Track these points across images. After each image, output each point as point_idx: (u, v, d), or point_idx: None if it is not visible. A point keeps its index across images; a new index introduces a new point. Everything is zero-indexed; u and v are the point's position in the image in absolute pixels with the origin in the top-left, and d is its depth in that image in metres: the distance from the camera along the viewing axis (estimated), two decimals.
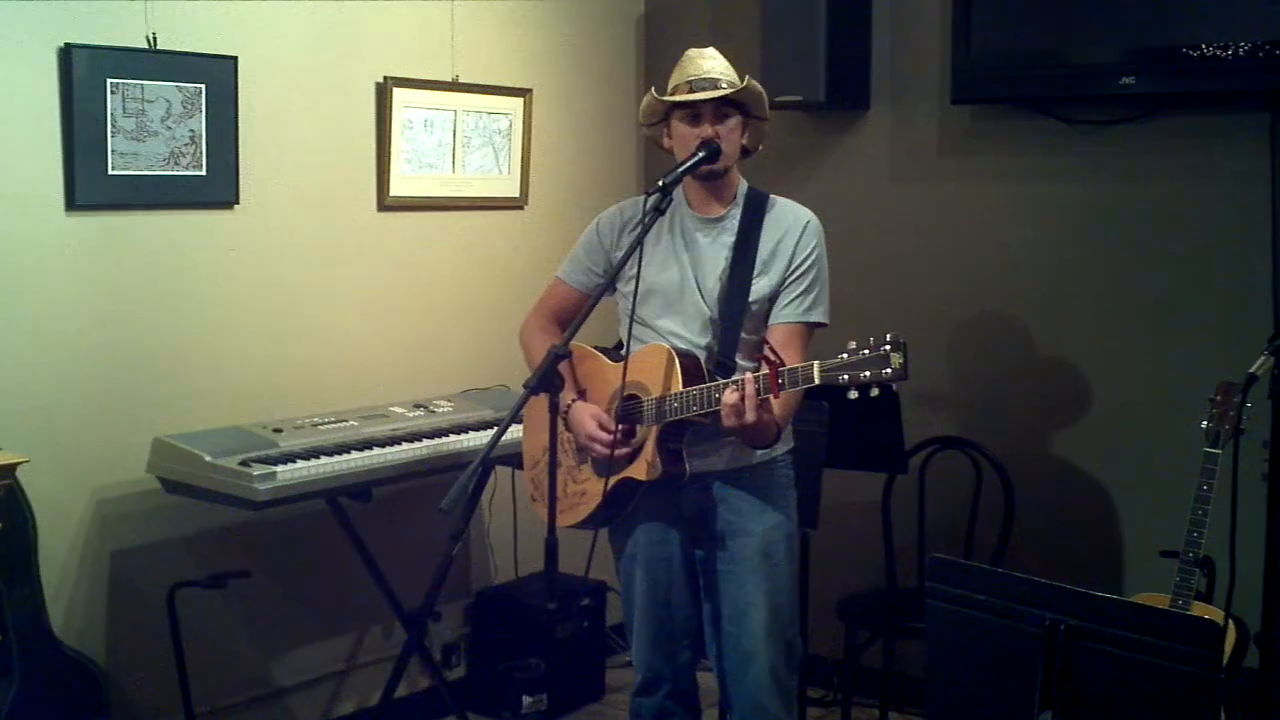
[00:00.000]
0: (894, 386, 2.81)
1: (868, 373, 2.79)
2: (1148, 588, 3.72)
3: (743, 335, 3.23)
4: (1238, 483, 3.07)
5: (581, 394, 3.37)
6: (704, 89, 3.18)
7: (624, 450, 3.21)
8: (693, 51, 3.28)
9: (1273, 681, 3.35)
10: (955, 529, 4.38)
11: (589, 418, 3.26)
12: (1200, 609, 3.41)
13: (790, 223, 3.27)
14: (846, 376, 2.81)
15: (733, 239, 3.26)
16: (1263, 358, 2.90)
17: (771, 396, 2.94)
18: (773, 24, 4.61)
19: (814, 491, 3.92)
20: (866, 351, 2.80)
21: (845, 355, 2.82)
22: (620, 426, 3.21)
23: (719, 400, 3.01)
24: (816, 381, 2.87)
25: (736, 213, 3.29)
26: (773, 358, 2.91)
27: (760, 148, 3.37)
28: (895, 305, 4.67)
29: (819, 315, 3.26)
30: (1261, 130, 3.97)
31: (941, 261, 4.63)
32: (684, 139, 3.23)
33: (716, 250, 3.27)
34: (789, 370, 2.91)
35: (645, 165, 5.27)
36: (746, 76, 3.21)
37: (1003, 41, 4.30)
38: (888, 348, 2.77)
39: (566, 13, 4.97)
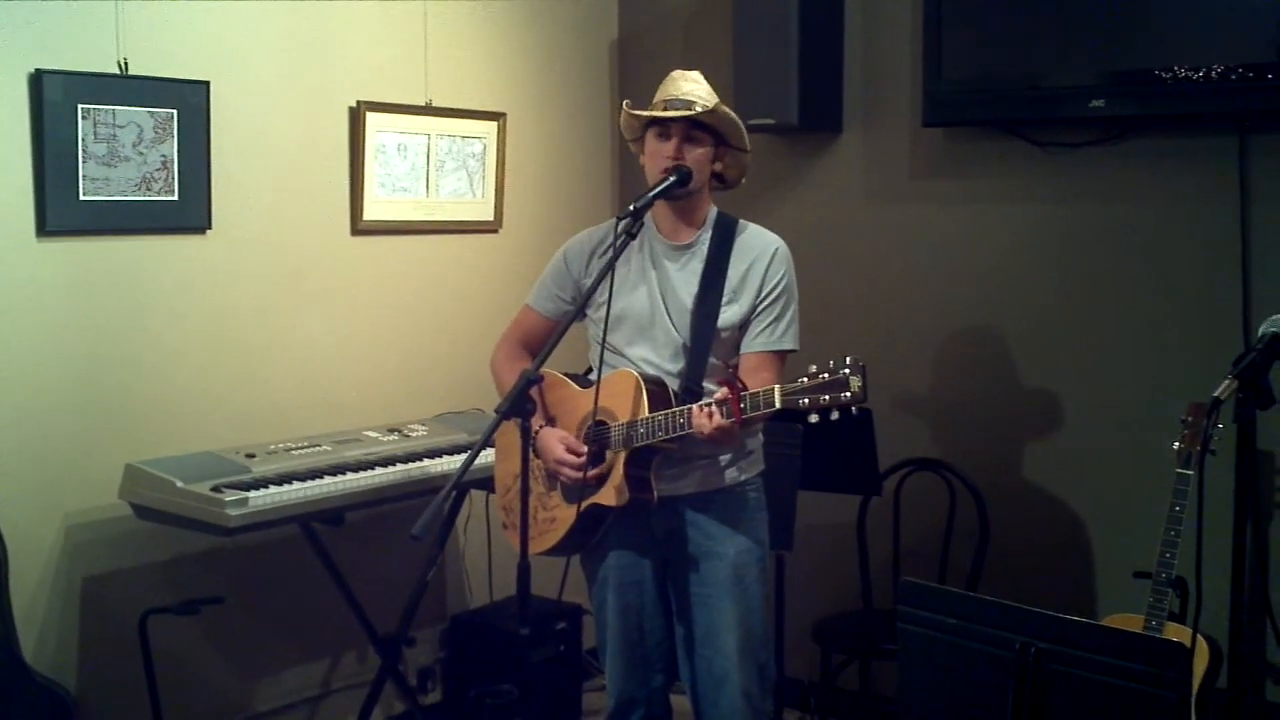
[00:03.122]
0: (858, 409, 2.82)
1: (827, 396, 2.81)
2: (1122, 609, 3.72)
3: (712, 361, 3.24)
4: (1204, 503, 3.07)
5: (551, 421, 3.37)
6: (677, 109, 3.19)
7: (595, 471, 3.20)
8: (677, 73, 3.29)
9: (1243, 701, 3.35)
10: (930, 550, 4.39)
11: (556, 442, 3.25)
12: (1174, 630, 3.42)
13: (759, 250, 3.28)
14: (807, 400, 2.83)
15: (702, 265, 3.27)
16: (1226, 381, 2.91)
17: (734, 420, 2.95)
18: (745, 47, 4.62)
19: (789, 513, 3.93)
20: (826, 375, 2.81)
21: (805, 379, 2.84)
22: (590, 448, 3.21)
23: (685, 426, 3.01)
24: (777, 405, 2.89)
25: (706, 238, 3.29)
26: (735, 382, 2.93)
27: (743, 181, 3.37)
28: (868, 327, 4.68)
29: (790, 342, 3.28)
30: (1231, 152, 4.00)
31: (914, 283, 4.64)
32: (653, 156, 3.24)
33: (686, 276, 3.28)
34: (750, 395, 2.93)
35: (620, 188, 5.28)
36: (718, 102, 3.20)
37: (974, 64, 4.32)
38: (846, 371, 2.79)
39: (540, 37, 4.98)
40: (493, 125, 4.74)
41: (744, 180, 3.38)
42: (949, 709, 2.85)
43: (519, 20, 4.89)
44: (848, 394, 2.79)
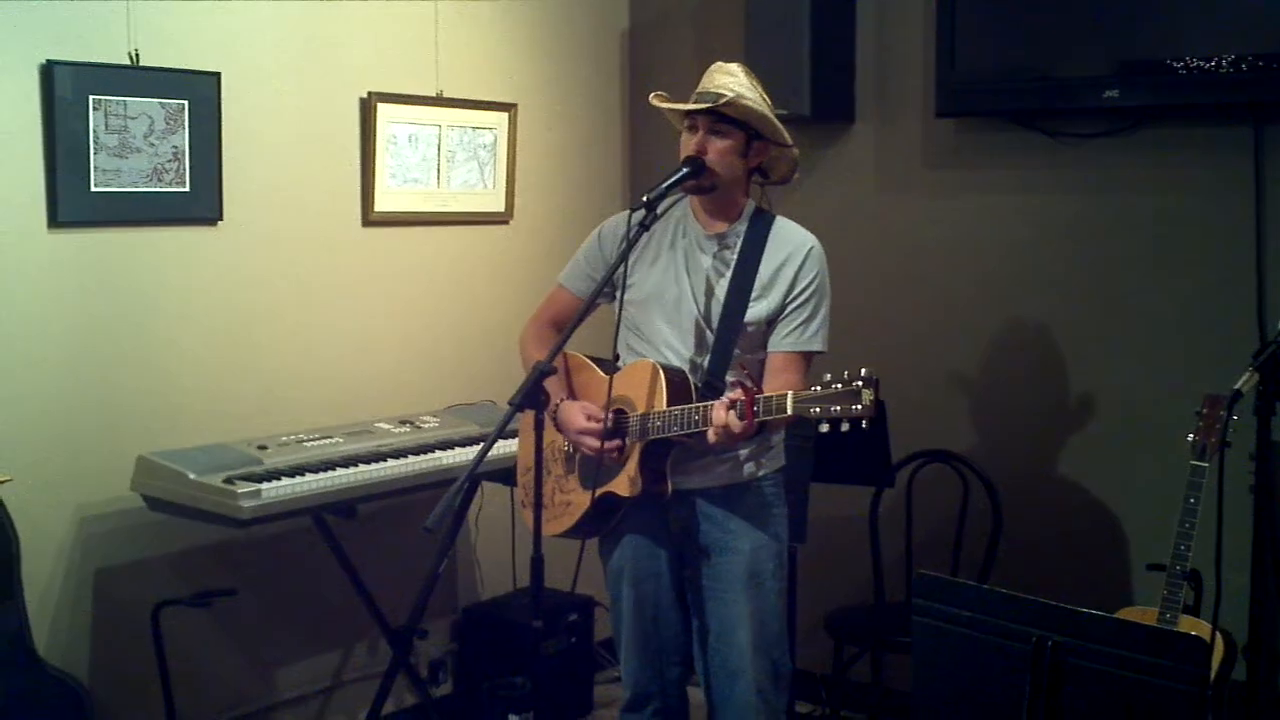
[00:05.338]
0: (868, 423, 2.81)
1: (838, 408, 2.79)
2: (1136, 601, 3.72)
3: (736, 353, 3.22)
4: (1223, 495, 3.07)
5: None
6: (706, 102, 3.16)
7: (614, 443, 3.18)
8: (717, 65, 3.26)
9: (1260, 694, 3.34)
10: (943, 542, 4.37)
11: (578, 411, 3.24)
12: (1188, 623, 3.41)
13: (793, 248, 3.24)
14: (818, 409, 2.81)
15: (734, 257, 3.24)
16: (1248, 374, 2.90)
17: (745, 423, 2.94)
18: (758, 38, 4.61)
19: (802, 506, 3.92)
20: (839, 386, 2.80)
21: (818, 388, 2.82)
22: (610, 415, 3.19)
23: (700, 422, 3.01)
24: (789, 412, 2.87)
25: (741, 230, 3.26)
26: (749, 384, 2.92)
27: (795, 176, 3.34)
28: (879, 317, 4.67)
29: (818, 344, 3.25)
30: (1245, 143, 3.99)
31: (926, 274, 4.63)
32: (683, 148, 3.23)
33: (717, 267, 3.25)
34: (764, 398, 2.92)
35: (631, 179, 5.26)
36: (735, 94, 3.13)
37: (987, 55, 4.31)
38: (859, 384, 2.77)
39: (551, 27, 4.97)
40: (504, 116, 4.72)
41: (796, 176, 3.35)
42: (964, 702, 2.85)
43: (530, 10, 4.87)
44: (858, 407, 2.77)
